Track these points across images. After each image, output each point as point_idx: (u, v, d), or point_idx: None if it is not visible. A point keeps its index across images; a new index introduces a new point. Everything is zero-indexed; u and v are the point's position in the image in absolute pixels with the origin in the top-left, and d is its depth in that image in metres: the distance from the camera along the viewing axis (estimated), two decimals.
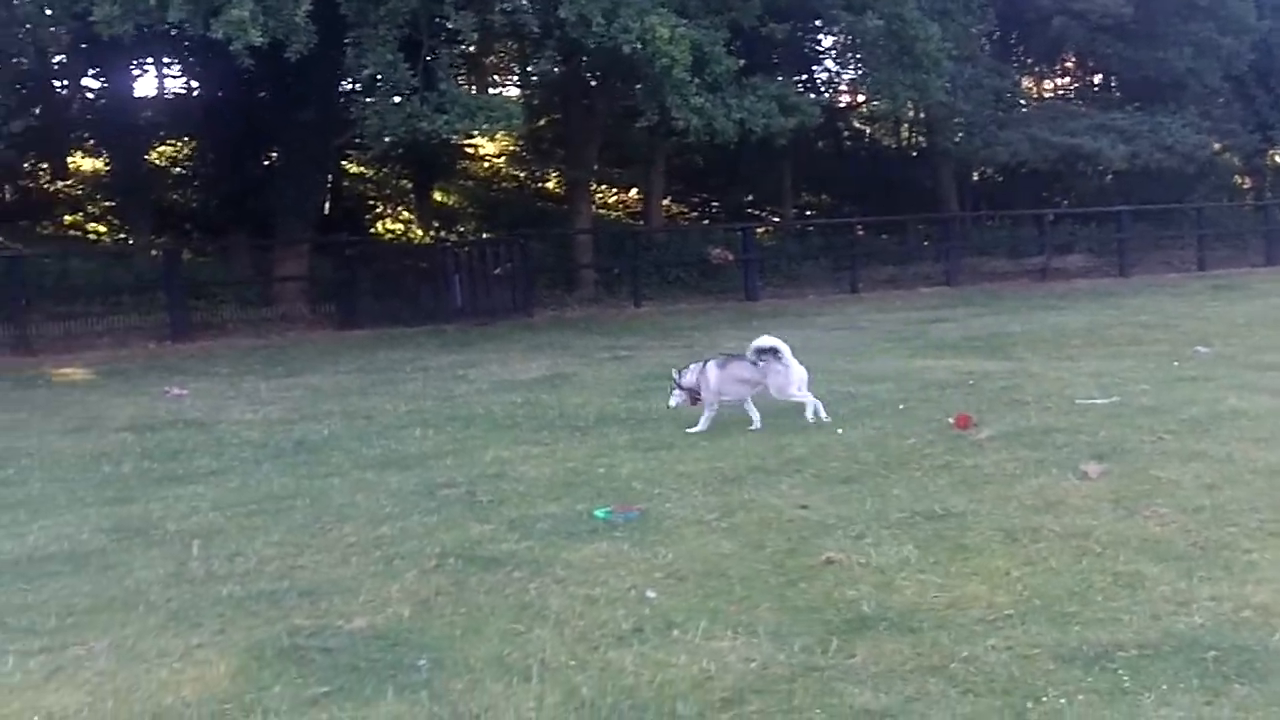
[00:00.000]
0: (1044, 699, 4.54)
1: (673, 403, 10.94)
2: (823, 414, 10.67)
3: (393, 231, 31.81)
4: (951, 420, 10.14)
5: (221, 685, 5.16)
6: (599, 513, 7.71)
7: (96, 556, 7.39)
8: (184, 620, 6.06)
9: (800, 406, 10.71)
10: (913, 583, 6.02)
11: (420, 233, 31.44)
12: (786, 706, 4.58)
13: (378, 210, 32.81)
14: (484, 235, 30.29)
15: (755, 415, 10.67)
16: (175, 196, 30.61)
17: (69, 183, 30.86)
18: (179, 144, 31.40)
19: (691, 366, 10.92)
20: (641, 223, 31.94)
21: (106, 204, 29.98)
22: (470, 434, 11.05)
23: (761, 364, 10.64)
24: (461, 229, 32.08)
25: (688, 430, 10.50)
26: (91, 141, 30.81)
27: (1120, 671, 4.78)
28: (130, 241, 27.95)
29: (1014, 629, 5.31)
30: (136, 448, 11.25)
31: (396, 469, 9.65)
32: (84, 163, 31.63)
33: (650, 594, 6.06)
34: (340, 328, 22.87)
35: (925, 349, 16.32)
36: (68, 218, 29.70)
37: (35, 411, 14.16)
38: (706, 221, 34.35)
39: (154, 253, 25.92)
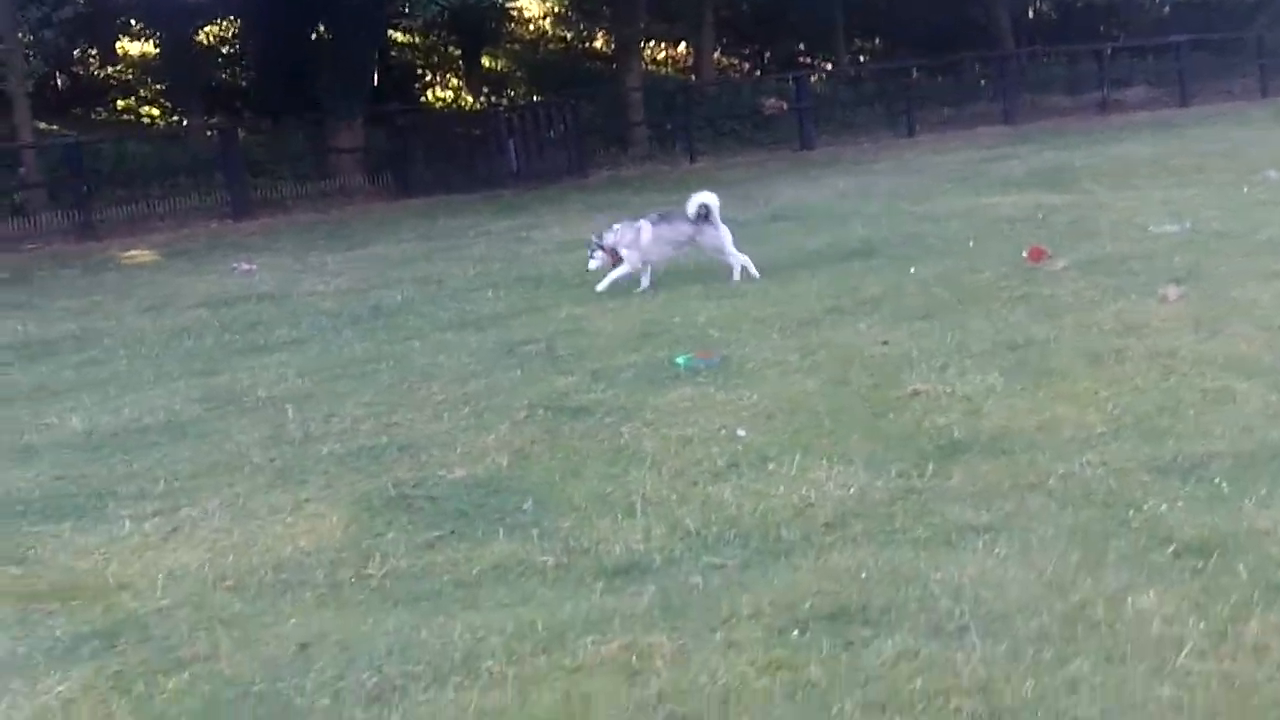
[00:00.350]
0: (1144, 508, 4.61)
1: (593, 265, 10.81)
2: (753, 271, 10.59)
3: (443, 99, 31.69)
4: (1025, 253, 10.11)
5: (336, 535, 5.32)
6: (679, 360, 7.79)
7: (193, 425, 7.58)
8: (290, 478, 6.24)
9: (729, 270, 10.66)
10: (1001, 408, 6.08)
11: (470, 99, 31.30)
12: (889, 527, 4.69)
13: (426, 79, 32.64)
14: (535, 98, 30.09)
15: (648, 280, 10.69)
16: (225, 76, 30.58)
17: (119, 68, 30.87)
18: (226, 23, 31.24)
19: (615, 226, 10.79)
20: (692, 77, 31.60)
21: (157, 87, 30.00)
22: (541, 293, 11.14)
23: (697, 223, 10.57)
24: (511, 93, 31.89)
25: (597, 289, 10.53)
26: (139, 25, 30.71)
27: (1218, 480, 4.84)
28: (184, 123, 28.00)
29: (1107, 446, 5.37)
30: (214, 322, 11.44)
31: (474, 329, 9.77)
32: (132, 47, 31.58)
33: (741, 432, 6.16)
34: (398, 198, 22.97)
35: (989, 187, 16.16)
36: (120, 102, 29.77)
37: (108, 294, 14.40)
38: (758, 73, 33.92)
39: (209, 133, 25.96)
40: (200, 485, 6.27)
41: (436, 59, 33.40)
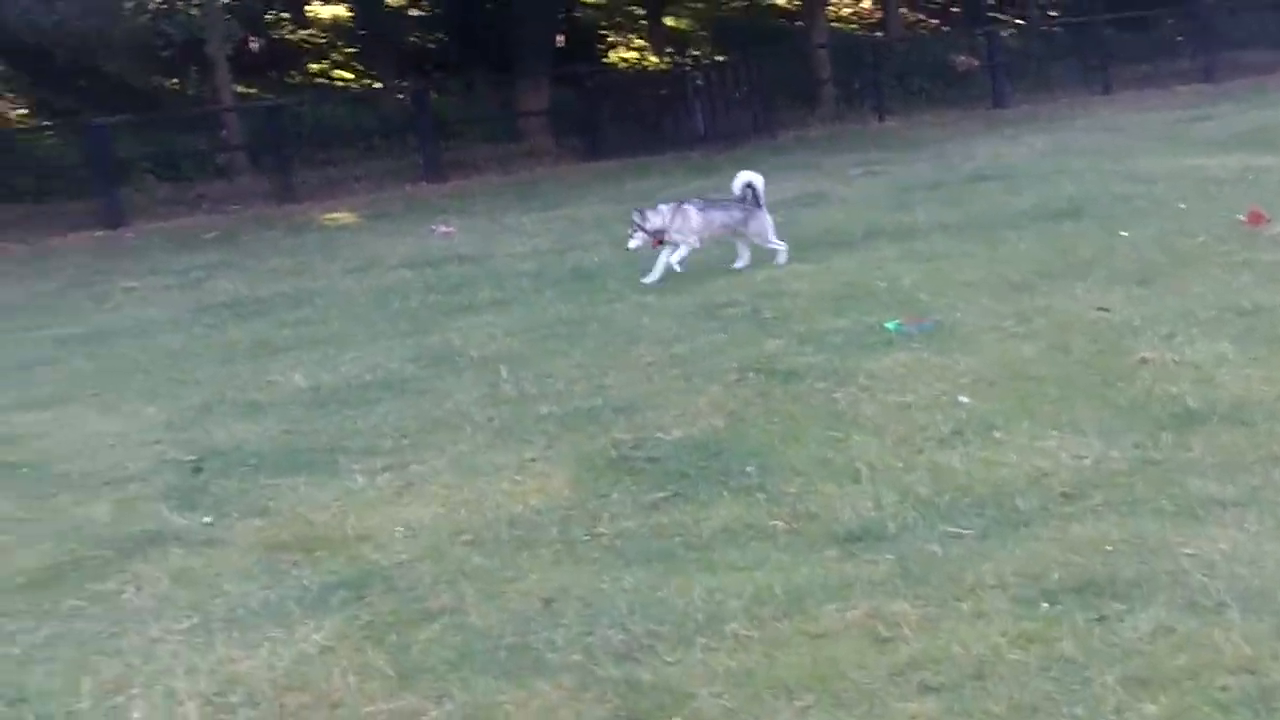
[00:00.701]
0: None
1: (632, 244, 10.51)
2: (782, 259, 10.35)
3: (626, 60, 31.77)
4: (1242, 217, 9.77)
5: (563, 494, 5.43)
6: (890, 324, 7.73)
7: (411, 383, 7.78)
8: (511, 437, 6.37)
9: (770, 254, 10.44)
10: (1235, 377, 5.91)
11: (654, 60, 31.33)
12: (1130, 498, 4.60)
13: (610, 39, 32.76)
14: (718, 58, 29.95)
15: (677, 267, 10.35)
16: (414, 38, 31.07)
17: (311, 31, 31.59)
18: None
19: (661, 208, 10.49)
20: (879, 33, 31.15)
21: (349, 50, 30.63)
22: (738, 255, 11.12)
23: (746, 206, 10.43)
24: (695, 53, 31.82)
25: (643, 280, 10.20)
26: None
27: None
28: (376, 86, 28.56)
29: None
30: (419, 283, 11.68)
31: (674, 292, 9.81)
32: (323, 10, 32.27)
33: (962, 399, 6.09)
34: (585, 159, 23.09)
35: (1193, 147, 15.63)
36: (313, 66, 30.47)
37: (314, 255, 14.80)
38: (947, 28, 33.26)
39: (400, 95, 26.46)
40: (425, 442, 6.44)
41: (619, 19, 33.49)
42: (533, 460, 5.94)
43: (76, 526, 5.69)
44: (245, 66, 27.05)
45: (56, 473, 6.58)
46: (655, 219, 10.32)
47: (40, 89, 24.67)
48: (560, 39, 27.67)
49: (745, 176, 10.52)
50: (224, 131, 24.02)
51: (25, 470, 6.68)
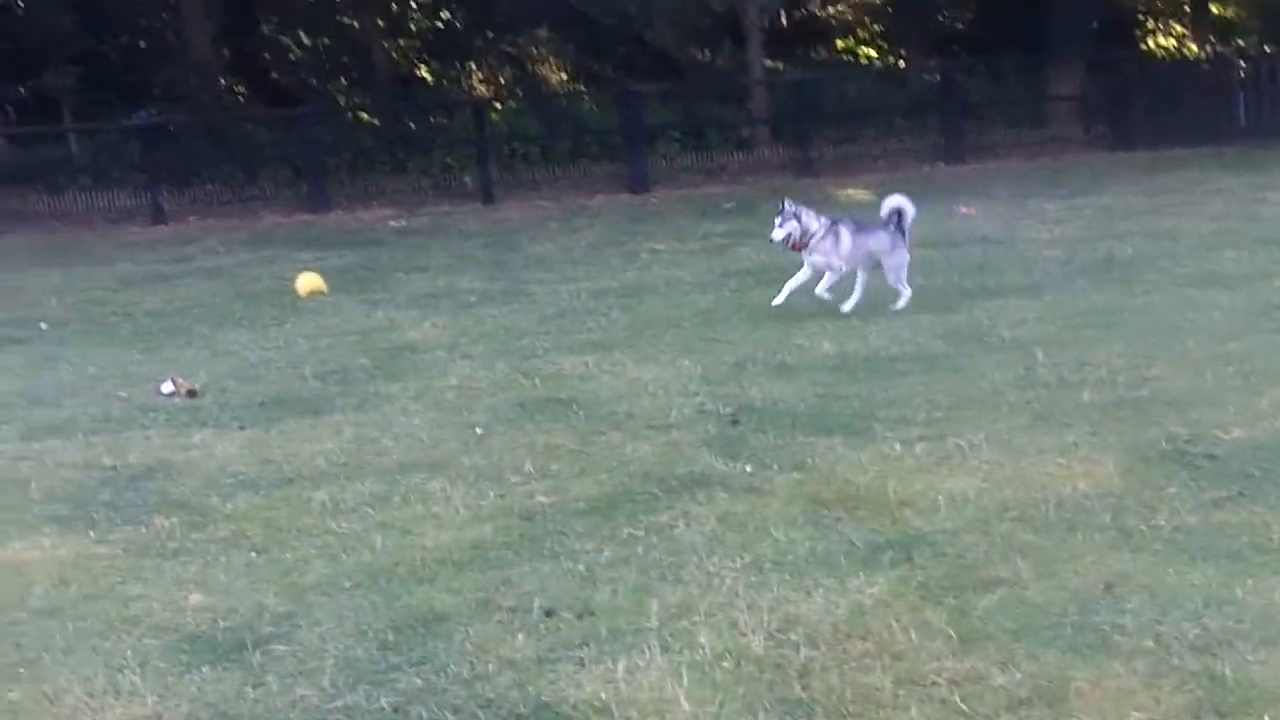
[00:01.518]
0: None
1: (777, 235, 9.49)
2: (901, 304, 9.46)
3: (1163, 48, 30.27)
4: None
5: (1113, 482, 5.23)
6: None
7: (940, 359, 7.73)
8: (1050, 420, 6.21)
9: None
10: None
11: (1194, 48, 29.67)
12: None
13: (1148, 25, 31.28)
14: (1266, 49, 28.00)
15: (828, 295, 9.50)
16: (942, 17, 30.80)
17: (840, 7, 31.92)
18: None
19: (820, 220, 9.48)
20: None
21: (876, 28, 30.75)
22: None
23: (893, 235, 9.36)
24: (1241, 43, 29.89)
25: (773, 303, 9.52)
26: None
27: None
28: (900, 65, 28.56)
29: None
30: (942, 262, 11.54)
31: (1220, 288, 9.32)
32: None
33: None
34: (1113, 149, 22.24)
35: None
36: (839, 42, 30.78)
37: None
38: None
39: (926, 76, 26.33)
40: (959, 417, 6.38)
41: (1160, 4, 31.91)
42: (1075, 445, 5.76)
43: (625, 462, 5.98)
44: (775, 41, 27.69)
45: (604, 413, 6.95)
46: (810, 220, 9.53)
47: (582, 55, 26.15)
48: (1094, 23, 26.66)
49: (895, 201, 9.56)
50: (750, 104, 24.70)
51: (576, 408, 7.09)
